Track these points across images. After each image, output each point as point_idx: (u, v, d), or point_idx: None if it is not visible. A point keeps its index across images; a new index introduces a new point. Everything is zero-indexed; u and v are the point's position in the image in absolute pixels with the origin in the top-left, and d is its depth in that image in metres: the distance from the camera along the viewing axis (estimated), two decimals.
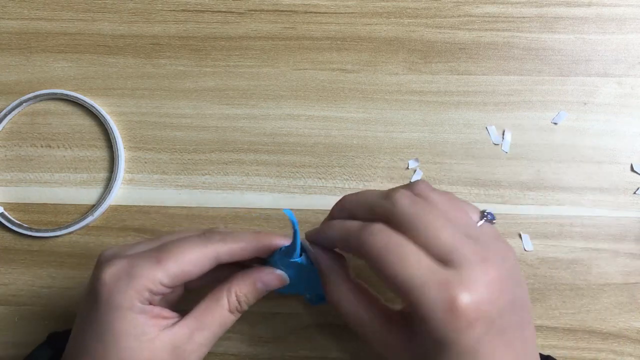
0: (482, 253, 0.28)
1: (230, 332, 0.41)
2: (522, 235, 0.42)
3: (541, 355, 0.37)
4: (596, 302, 0.41)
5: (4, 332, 0.42)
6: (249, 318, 0.42)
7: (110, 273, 0.30)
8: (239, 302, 0.33)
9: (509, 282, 0.28)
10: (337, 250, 0.33)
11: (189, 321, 0.31)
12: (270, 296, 0.42)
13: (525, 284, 0.32)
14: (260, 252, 0.33)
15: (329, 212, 0.34)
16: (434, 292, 0.26)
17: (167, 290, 0.31)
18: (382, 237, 0.28)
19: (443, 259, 0.27)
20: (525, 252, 0.42)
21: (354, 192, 0.43)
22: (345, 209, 0.32)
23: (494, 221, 0.31)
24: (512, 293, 0.28)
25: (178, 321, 0.31)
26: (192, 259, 0.31)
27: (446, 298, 0.26)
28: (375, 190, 0.32)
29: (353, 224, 0.30)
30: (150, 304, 0.31)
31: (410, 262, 0.27)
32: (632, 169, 0.43)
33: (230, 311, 0.32)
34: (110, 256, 0.31)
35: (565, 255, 0.42)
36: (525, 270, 0.42)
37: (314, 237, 0.33)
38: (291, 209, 0.33)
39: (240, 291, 0.33)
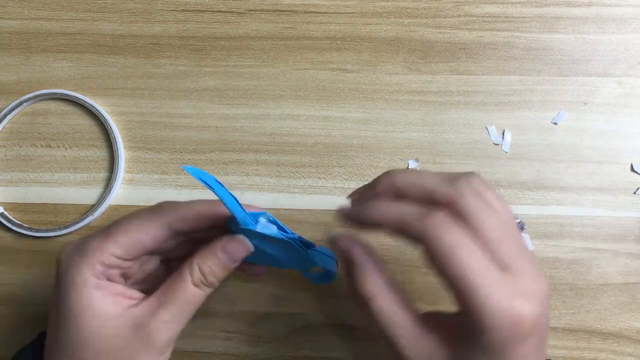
0: (535, 263, 0.27)
1: (230, 332, 0.41)
2: (522, 235, 0.42)
3: None
4: (596, 302, 0.41)
5: (4, 332, 0.42)
6: (249, 318, 0.42)
7: (64, 253, 0.30)
8: (204, 275, 0.31)
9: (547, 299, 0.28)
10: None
11: (152, 298, 0.30)
12: (271, 296, 0.42)
13: None
14: (215, 219, 0.32)
15: (368, 183, 0.31)
16: (502, 301, 0.25)
17: (124, 264, 0.31)
18: (451, 232, 0.26)
19: (504, 265, 0.26)
20: None
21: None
22: (395, 187, 0.29)
23: (524, 228, 0.30)
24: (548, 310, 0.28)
25: (144, 297, 0.31)
26: (142, 228, 0.31)
27: (512, 308, 0.25)
28: (430, 172, 0.29)
29: (412, 210, 0.27)
30: (110, 280, 0.30)
31: (478, 266, 0.25)
32: (632, 169, 0.43)
33: (195, 284, 0.31)
34: (69, 242, 0.31)
35: (565, 255, 0.42)
36: None
37: (355, 216, 0.30)
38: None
39: (203, 263, 0.31)
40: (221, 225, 0.33)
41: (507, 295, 0.25)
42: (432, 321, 0.29)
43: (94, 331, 0.29)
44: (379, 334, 0.29)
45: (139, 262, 0.33)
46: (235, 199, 0.31)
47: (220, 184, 0.30)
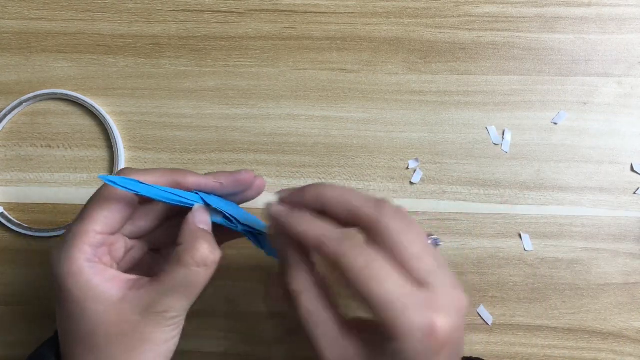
0: (452, 278, 0.28)
1: (230, 332, 0.41)
2: (522, 235, 0.42)
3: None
4: (596, 302, 0.41)
5: (4, 332, 0.42)
6: (249, 318, 0.42)
7: (54, 253, 0.31)
8: (202, 256, 0.31)
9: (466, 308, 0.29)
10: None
11: (157, 283, 0.30)
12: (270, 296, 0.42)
13: None
14: (178, 185, 0.33)
15: (297, 189, 0.32)
16: (415, 315, 0.26)
17: (109, 239, 0.31)
18: (364, 254, 0.27)
19: (421, 281, 0.27)
20: (525, 252, 0.42)
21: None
22: (321, 201, 0.30)
23: (439, 245, 0.31)
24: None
25: (146, 281, 0.31)
26: (113, 196, 0.31)
27: (426, 321, 0.26)
28: (357, 191, 0.30)
29: (331, 231, 0.29)
30: (102, 262, 0.31)
31: (391, 283, 0.27)
32: (632, 169, 0.43)
33: (197, 265, 0.30)
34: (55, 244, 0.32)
35: (565, 255, 0.42)
36: (525, 270, 0.42)
37: (279, 223, 0.31)
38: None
39: (200, 246, 0.30)
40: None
41: (421, 310, 0.26)
42: (356, 325, 0.29)
43: (101, 317, 0.30)
44: (304, 332, 0.30)
45: (124, 242, 0.33)
46: (167, 189, 0.32)
47: (142, 183, 0.31)
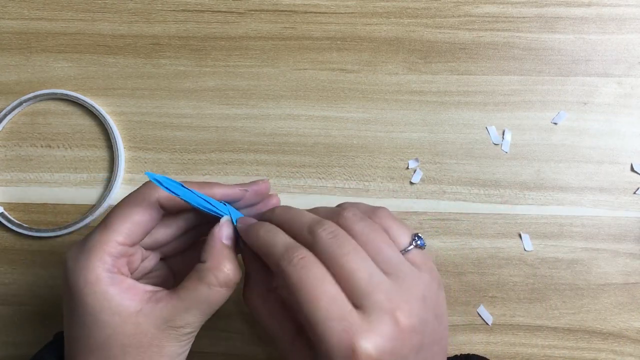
0: (397, 298, 0.27)
1: (230, 332, 0.41)
2: (522, 235, 0.42)
3: (461, 356, 0.37)
4: (596, 302, 0.41)
5: (4, 332, 0.42)
6: (249, 318, 0.42)
7: (70, 257, 0.31)
8: (227, 278, 0.31)
9: (422, 325, 0.28)
10: None
11: (176, 299, 0.30)
12: None
13: (443, 311, 0.31)
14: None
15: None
16: (337, 336, 0.26)
17: (129, 250, 0.31)
18: (302, 268, 0.27)
19: (356, 303, 0.27)
20: (525, 252, 0.42)
21: (352, 192, 0.43)
22: (274, 221, 0.31)
23: (423, 246, 0.31)
24: (422, 335, 0.28)
25: (164, 295, 0.31)
26: (136, 210, 0.31)
27: (347, 345, 0.26)
28: (309, 214, 0.31)
29: (279, 243, 0.29)
30: (120, 273, 0.31)
31: (323, 301, 0.27)
32: (632, 169, 0.43)
33: (220, 285, 0.31)
34: (70, 247, 0.32)
35: (565, 255, 0.42)
36: (525, 270, 0.42)
37: (243, 234, 0.32)
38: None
39: (224, 267, 0.31)
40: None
41: (345, 333, 0.26)
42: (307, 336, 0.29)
43: (117, 328, 0.29)
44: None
45: (140, 253, 0.33)
46: (203, 197, 0.32)
47: (181, 184, 0.31)
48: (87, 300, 0.29)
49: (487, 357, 0.39)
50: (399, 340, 0.27)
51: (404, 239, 0.30)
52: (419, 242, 0.30)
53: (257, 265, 0.32)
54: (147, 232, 0.32)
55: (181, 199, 0.31)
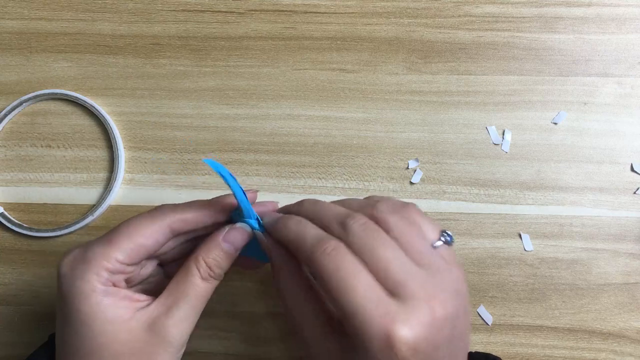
0: (431, 288, 0.28)
1: (230, 332, 0.42)
2: (522, 235, 0.42)
3: (481, 354, 0.37)
4: (596, 302, 0.41)
5: (4, 332, 0.42)
6: (249, 318, 0.42)
7: (66, 264, 0.31)
8: (210, 267, 0.31)
9: (453, 317, 0.28)
10: None
11: (163, 297, 0.31)
12: (271, 296, 0.42)
13: (469, 309, 0.31)
14: (216, 216, 0.33)
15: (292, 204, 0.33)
16: (375, 324, 0.26)
17: (128, 269, 0.31)
18: (336, 258, 0.28)
19: (391, 292, 0.27)
20: (525, 252, 0.42)
21: (352, 192, 0.43)
22: (303, 213, 0.32)
23: (451, 243, 0.31)
24: (452, 328, 0.28)
25: (153, 301, 0.31)
26: (144, 232, 0.31)
27: (385, 332, 0.26)
28: (339, 207, 0.31)
29: (310, 234, 0.29)
30: (115, 286, 0.31)
31: (358, 290, 0.27)
32: (632, 169, 0.43)
33: (203, 278, 0.31)
34: (68, 251, 0.32)
35: (565, 255, 0.42)
36: (525, 270, 0.42)
37: (270, 227, 0.32)
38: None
39: (208, 256, 0.32)
40: (220, 223, 0.33)
41: (383, 321, 0.26)
42: (340, 324, 0.29)
43: (109, 336, 0.29)
44: (290, 329, 0.30)
45: (140, 266, 0.33)
46: (243, 191, 0.32)
47: (233, 176, 0.32)
48: (81, 309, 0.29)
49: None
50: (434, 329, 0.27)
51: (433, 234, 0.30)
52: (447, 239, 0.31)
53: (285, 257, 0.31)
54: (151, 255, 0.32)
55: (228, 185, 0.31)
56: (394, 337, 0.26)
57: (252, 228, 0.33)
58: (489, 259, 0.42)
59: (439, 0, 0.45)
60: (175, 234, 0.32)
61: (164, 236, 0.32)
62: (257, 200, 0.35)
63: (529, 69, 0.44)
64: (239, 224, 0.33)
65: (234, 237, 0.32)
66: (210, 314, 0.42)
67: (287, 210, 0.33)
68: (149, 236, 0.31)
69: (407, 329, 0.26)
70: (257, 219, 0.33)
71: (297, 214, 0.32)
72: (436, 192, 0.43)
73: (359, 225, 0.29)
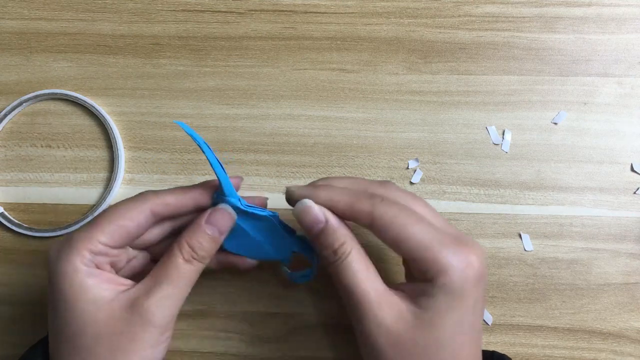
0: (471, 241, 0.32)
1: (230, 332, 0.41)
2: (522, 235, 0.42)
3: (487, 352, 0.37)
4: (596, 302, 0.41)
5: (4, 332, 0.42)
6: (249, 318, 0.42)
7: (53, 249, 0.32)
8: (193, 249, 0.32)
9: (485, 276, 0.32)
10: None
11: (146, 280, 0.31)
12: (271, 296, 0.42)
13: None
14: (197, 198, 0.33)
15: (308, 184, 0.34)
16: (452, 251, 0.29)
17: (112, 251, 0.32)
18: (393, 206, 0.30)
19: (446, 232, 0.31)
20: (525, 252, 0.42)
21: None
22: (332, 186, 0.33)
23: None
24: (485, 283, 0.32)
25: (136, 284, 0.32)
26: (126, 215, 0.32)
27: (462, 256, 0.29)
28: (358, 182, 0.34)
29: (360, 192, 0.31)
30: (99, 268, 0.31)
31: (423, 227, 0.30)
32: (632, 169, 0.43)
33: (186, 260, 0.31)
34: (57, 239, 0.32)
35: (565, 255, 0.42)
36: (525, 270, 0.42)
37: (305, 196, 0.32)
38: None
39: (190, 238, 0.32)
40: (204, 208, 0.34)
41: (454, 247, 0.30)
42: (395, 287, 0.32)
43: (91, 316, 0.30)
44: (347, 295, 0.30)
45: (126, 254, 0.34)
46: (222, 167, 0.32)
47: (210, 148, 0.32)
48: (64, 290, 0.30)
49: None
50: (485, 265, 0.31)
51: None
52: None
53: (337, 218, 0.32)
54: (134, 239, 0.33)
55: (203, 152, 0.32)
56: (471, 260, 0.29)
57: (268, 216, 0.34)
58: (489, 259, 0.42)
59: (439, 0, 0.45)
60: (158, 218, 0.33)
61: (145, 219, 0.32)
62: (248, 195, 0.35)
63: (529, 69, 0.44)
64: (221, 205, 0.33)
65: (217, 218, 0.32)
66: (210, 314, 0.42)
67: (309, 191, 0.33)
68: (131, 219, 0.32)
69: (474, 254, 0.30)
70: (239, 199, 0.33)
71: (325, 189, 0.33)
72: (436, 192, 0.43)
73: (391, 192, 0.32)
